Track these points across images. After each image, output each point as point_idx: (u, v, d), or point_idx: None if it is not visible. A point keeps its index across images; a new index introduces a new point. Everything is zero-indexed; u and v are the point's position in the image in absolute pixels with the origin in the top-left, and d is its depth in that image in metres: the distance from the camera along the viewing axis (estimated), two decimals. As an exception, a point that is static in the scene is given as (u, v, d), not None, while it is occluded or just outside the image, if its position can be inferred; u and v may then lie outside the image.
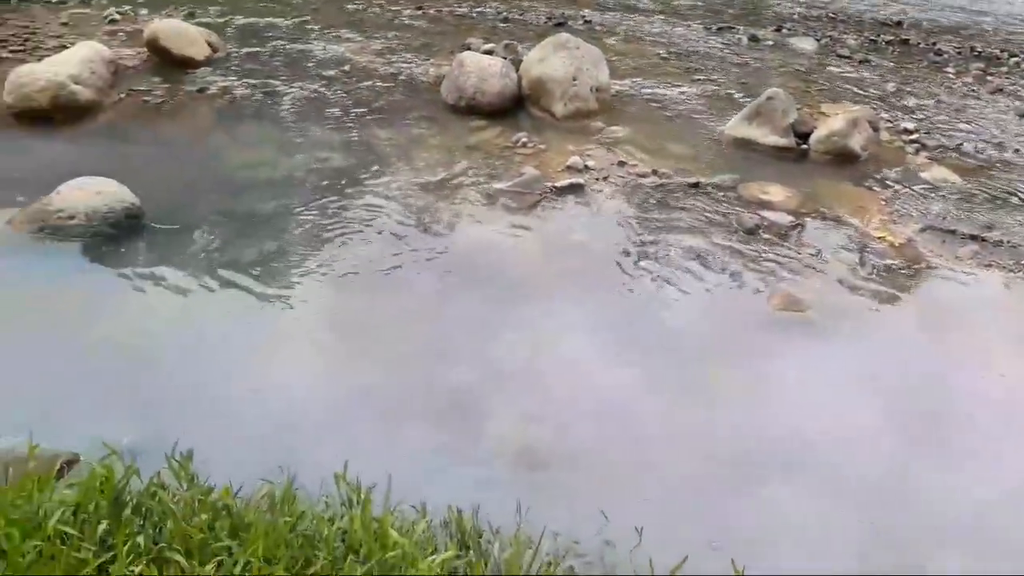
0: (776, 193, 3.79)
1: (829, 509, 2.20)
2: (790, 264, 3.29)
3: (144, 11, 5.58)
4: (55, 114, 3.87)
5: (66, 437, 2.14)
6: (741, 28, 6.34)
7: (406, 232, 3.31)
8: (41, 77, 3.87)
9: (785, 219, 3.59)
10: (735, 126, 4.38)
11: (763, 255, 3.33)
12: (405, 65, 5.07)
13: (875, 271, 3.30)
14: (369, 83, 4.76)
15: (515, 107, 4.55)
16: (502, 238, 3.36)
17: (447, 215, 3.48)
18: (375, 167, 3.81)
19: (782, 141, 4.24)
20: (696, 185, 3.80)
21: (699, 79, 5.18)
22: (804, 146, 4.28)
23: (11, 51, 4.72)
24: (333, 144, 4.00)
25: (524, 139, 4.15)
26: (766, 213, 3.61)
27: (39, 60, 4.31)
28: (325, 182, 3.64)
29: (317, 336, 2.71)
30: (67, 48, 4.54)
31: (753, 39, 6.09)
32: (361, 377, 2.57)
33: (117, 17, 5.36)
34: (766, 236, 3.45)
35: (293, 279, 2.99)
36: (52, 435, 2.03)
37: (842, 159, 4.18)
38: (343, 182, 3.66)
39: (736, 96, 4.93)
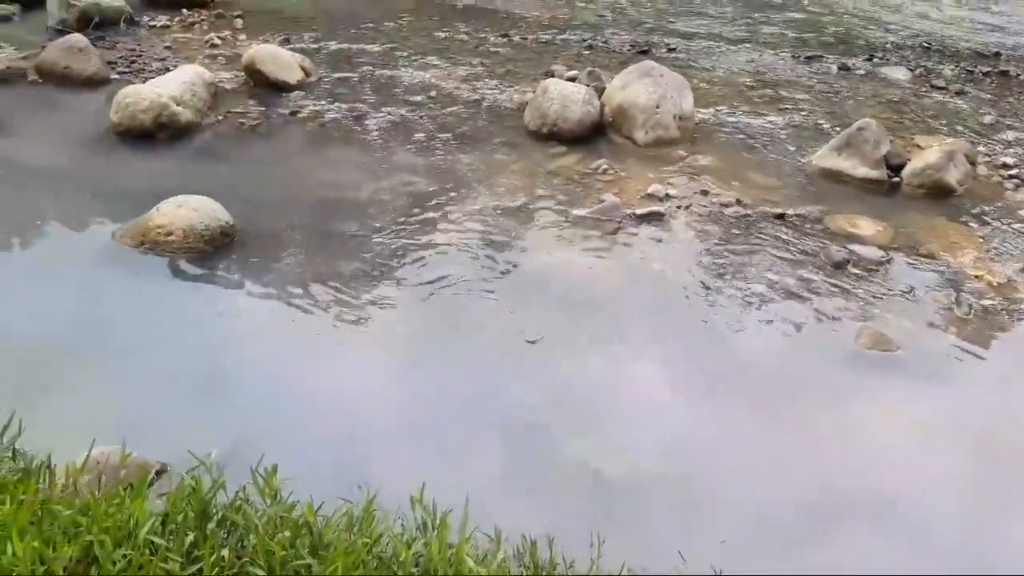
0: (866, 227, 3.66)
1: (910, 559, 2.09)
2: (880, 301, 3.17)
3: (243, 36, 5.83)
4: (157, 133, 4.07)
5: (155, 445, 2.23)
6: (831, 57, 6.19)
7: (485, 255, 3.34)
8: (146, 98, 4.08)
9: (875, 254, 3.47)
10: (824, 156, 4.27)
11: (851, 290, 3.23)
12: (489, 92, 5.13)
13: (972, 311, 3.15)
14: (454, 109, 4.84)
15: (597, 134, 4.55)
16: (580, 264, 3.35)
17: (526, 239, 3.50)
18: (457, 191, 3.87)
19: (873, 173, 4.11)
20: (781, 216, 3.72)
21: (786, 108, 5.08)
22: (896, 179, 4.14)
23: (119, 72, 5.00)
24: (417, 168, 4.07)
25: (605, 166, 4.15)
26: (855, 247, 3.50)
27: (144, 82, 4.56)
28: (408, 205, 3.72)
29: (394, 354, 2.76)
30: (170, 71, 4.80)
31: (843, 68, 5.95)
32: (436, 396, 2.60)
33: (218, 42, 5.62)
34: (855, 271, 3.34)
35: (373, 298, 3.05)
36: (141, 443, 2.12)
37: (937, 193, 4.02)
38: (425, 205, 3.72)
39: (825, 126, 4.81)
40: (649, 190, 3.88)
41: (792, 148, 4.49)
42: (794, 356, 2.93)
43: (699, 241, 3.51)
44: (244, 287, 3.07)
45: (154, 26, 5.92)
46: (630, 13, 7.39)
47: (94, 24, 5.59)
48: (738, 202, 3.81)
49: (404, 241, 3.41)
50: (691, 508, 2.25)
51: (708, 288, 3.21)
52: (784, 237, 3.56)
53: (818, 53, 6.30)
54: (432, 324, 2.94)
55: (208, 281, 3.08)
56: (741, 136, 4.63)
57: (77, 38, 4.92)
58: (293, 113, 4.58)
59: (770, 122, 4.85)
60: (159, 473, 2.11)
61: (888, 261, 3.44)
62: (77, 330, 2.80)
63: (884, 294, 3.21)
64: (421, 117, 4.71)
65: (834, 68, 5.96)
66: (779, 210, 3.76)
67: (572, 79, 5.07)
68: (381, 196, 3.78)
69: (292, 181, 3.86)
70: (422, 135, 4.49)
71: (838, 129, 4.62)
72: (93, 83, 4.75)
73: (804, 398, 2.69)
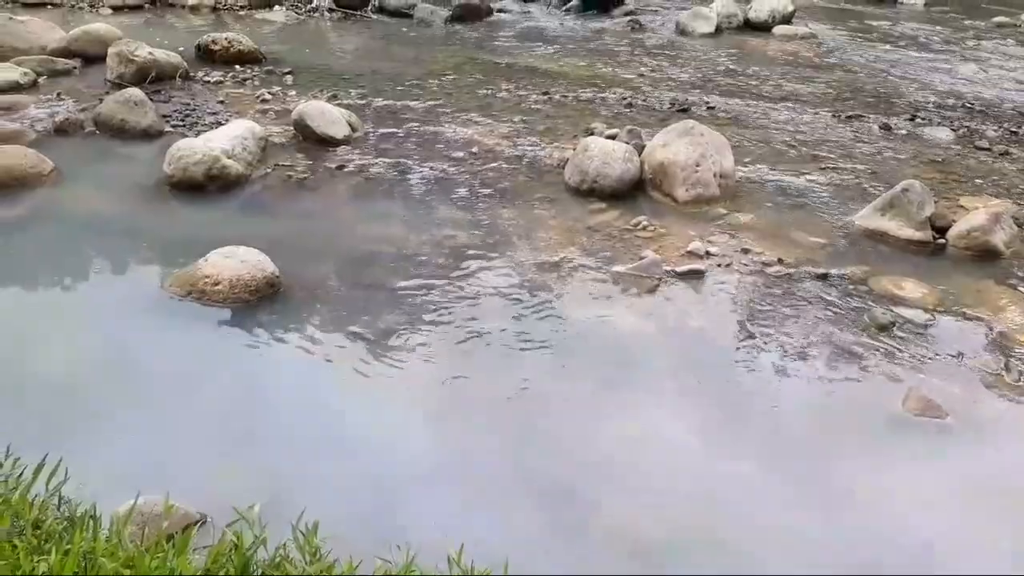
0: (911, 289, 3.61)
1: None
2: (927, 365, 3.10)
3: (292, 92, 6.02)
4: (208, 185, 4.19)
5: (195, 494, 2.25)
6: (872, 117, 6.19)
7: (525, 311, 3.35)
8: (198, 151, 4.22)
9: (921, 317, 3.41)
10: (867, 217, 4.24)
11: (897, 354, 3.16)
12: (530, 148, 5.21)
13: (1022, 377, 3.06)
14: (495, 164, 4.92)
15: (636, 191, 4.58)
16: (618, 321, 3.34)
17: (565, 295, 3.51)
18: (497, 246, 3.90)
19: (918, 235, 4.06)
20: (824, 276, 3.68)
21: (827, 168, 5.07)
22: (941, 240, 4.08)
23: (172, 125, 5.18)
24: (458, 222, 4.13)
25: (645, 222, 4.16)
26: (900, 310, 3.44)
27: (197, 135, 4.72)
28: (449, 259, 3.76)
29: (433, 407, 2.77)
30: (222, 124, 4.96)
31: (885, 128, 5.93)
32: (470, 453, 2.59)
33: (268, 97, 5.81)
34: (900, 334, 3.28)
35: (414, 351, 3.07)
36: (181, 491, 2.14)
37: (983, 256, 3.96)
38: (466, 259, 3.76)
39: (866, 186, 4.79)
40: (689, 247, 3.87)
41: (834, 208, 4.47)
42: (838, 420, 2.87)
43: (740, 300, 3.48)
44: (287, 338, 3.11)
45: (208, 81, 6.15)
46: (670, 72, 7.49)
47: (150, 79, 5.82)
48: (780, 261, 3.79)
49: (444, 295, 3.44)
50: (722, 566, 2.20)
51: (748, 348, 3.17)
52: (827, 298, 3.52)
53: (859, 113, 6.31)
54: (471, 379, 2.94)
55: (252, 331, 3.13)
56: (782, 195, 4.62)
57: (134, 92, 5.12)
58: (339, 167, 4.69)
59: (811, 181, 4.84)
60: (197, 524, 2.12)
61: (935, 324, 3.38)
62: (121, 376, 2.85)
63: (931, 358, 3.14)
64: (463, 172, 4.79)
65: (875, 128, 5.95)
66: (822, 270, 3.72)
67: (612, 137, 5.13)
68: (423, 249, 3.83)
69: (337, 234, 3.94)
70: (464, 190, 4.55)
71: (880, 189, 4.60)
72: (148, 135, 4.92)
73: (850, 463, 2.62)
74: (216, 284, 3.20)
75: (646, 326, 3.28)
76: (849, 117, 6.18)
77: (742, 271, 3.71)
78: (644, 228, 4.11)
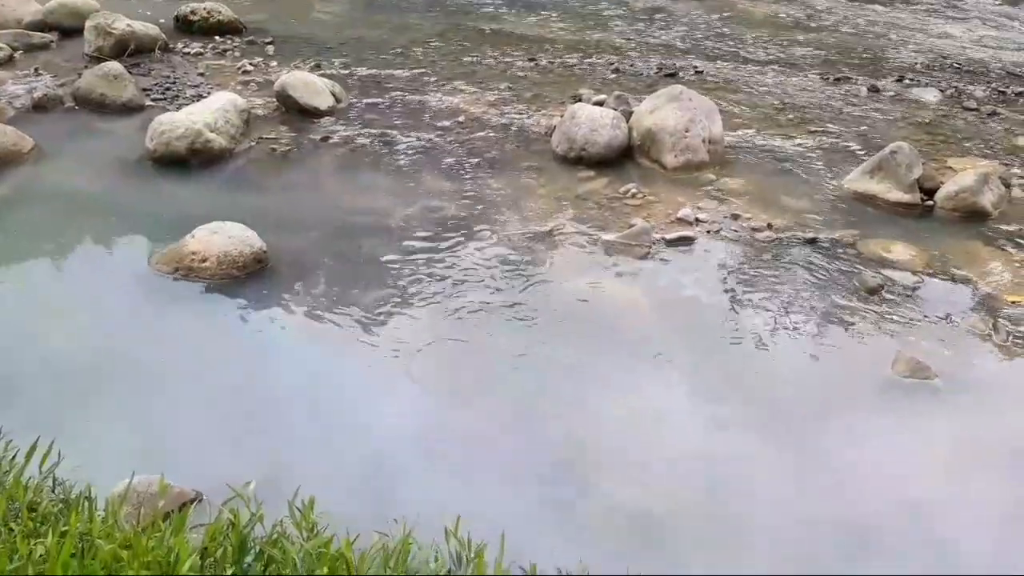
0: (900, 252, 3.62)
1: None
2: (915, 327, 3.13)
3: (274, 63, 5.93)
4: (191, 159, 4.14)
5: (189, 473, 2.25)
6: (860, 79, 6.15)
7: (515, 281, 3.35)
8: (180, 125, 4.16)
9: (910, 279, 3.42)
10: (855, 180, 4.23)
11: (886, 317, 3.18)
12: (517, 116, 5.16)
13: (1010, 337, 3.09)
14: (482, 133, 4.87)
15: (625, 158, 4.55)
16: (609, 289, 3.34)
17: (556, 265, 3.50)
18: (486, 216, 3.88)
19: (906, 197, 4.07)
20: (813, 241, 3.68)
21: (816, 131, 5.05)
22: (930, 203, 4.09)
23: (153, 99, 5.10)
24: (446, 193, 4.10)
25: (633, 190, 4.14)
26: (889, 272, 3.45)
27: (178, 109, 4.65)
28: (437, 230, 3.73)
29: (425, 381, 2.77)
30: (204, 97, 4.88)
31: (873, 90, 5.90)
32: (464, 425, 2.61)
33: (250, 68, 5.71)
34: (889, 297, 3.30)
35: (404, 324, 3.07)
36: (175, 470, 2.14)
37: (971, 217, 3.97)
38: (455, 230, 3.74)
39: (855, 149, 4.77)
40: (679, 214, 3.86)
41: (823, 171, 4.46)
42: (829, 384, 2.90)
43: (730, 266, 3.49)
44: (277, 313, 3.10)
45: (188, 53, 6.03)
46: (657, 36, 7.41)
47: (129, 51, 5.70)
48: (769, 226, 3.79)
49: (433, 267, 3.43)
50: (726, 538, 2.22)
51: (740, 314, 3.18)
52: (817, 262, 3.52)
53: (847, 75, 6.27)
54: (462, 351, 2.95)
55: (241, 307, 3.11)
56: (771, 160, 4.60)
57: (113, 66, 5.03)
58: (324, 139, 4.63)
59: (800, 145, 4.82)
60: (193, 502, 2.12)
61: (923, 286, 3.39)
62: (112, 356, 2.84)
63: (920, 320, 3.17)
64: (450, 142, 4.74)
65: (863, 90, 5.92)
66: (811, 235, 3.73)
67: (600, 103, 5.08)
68: (411, 221, 3.81)
69: (323, 206, 3.90)
70: (451, 160, 4.51)
71: (869, 152, 4.58)
72: (128, 110, 4.84)
73: (840, 426, 2.65)
74: (204, 261, 3.17)
75: (637, 294, 3.28)
76: (837, 79, 6.14)
77: (731, 237, 3.71)
78: (633, 196, 4.09)
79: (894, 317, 3.18)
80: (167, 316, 3.03)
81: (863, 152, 4.70)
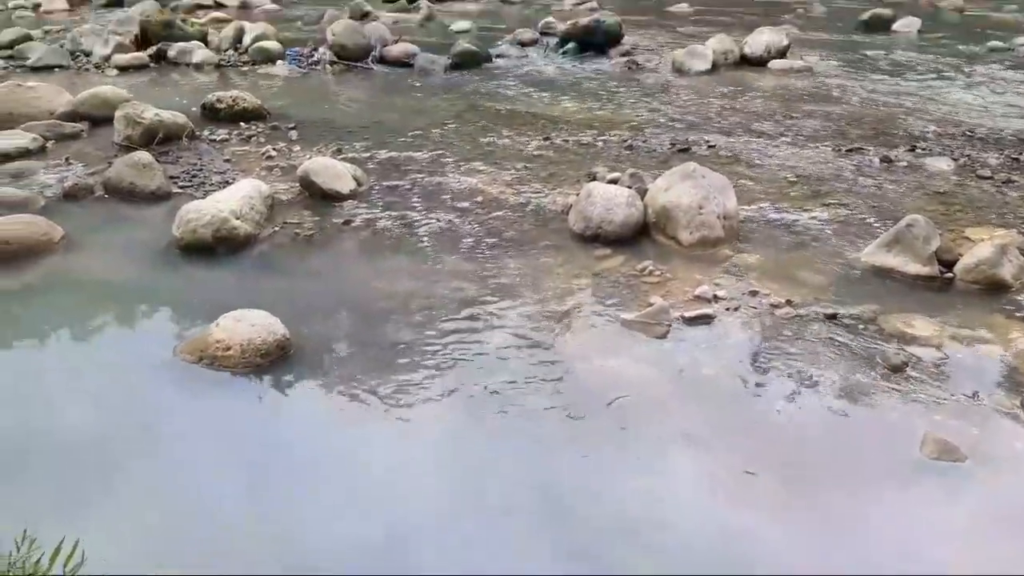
0: (922, 327, 3.60)
1: None
2: (942, 406, 3.09)
3: (297, 147, 6.11)
4: (217, 247, 4.24)
5: (206, 565, 2.24)
6: (872, 149, 6.23)
7: (533, 363, 3.35)
8: (206, 213, 4.27)
9: (934, 355, 3.40)
10: (872, 253, 4.24)
11: (911, 395, 3.15)
12: (533, 195, 5.25)
13: (1040, 414, 3.04)
14: (500, 213, 4.96)
15: (641, 235, 4.60)
16: (630, 370, 3.34)
17: (575, 345, 3.51)
18: (505, 296, 3.92)
19: (925, 270, 4.07)
20: (834, 317, 3.68)
21: (831, 204, 5.09)
22: (949, 275, 4.08)
23: (181, 187, 5.25)
24: (465, 274, 4.15)
25: (650, 267, 4.17)
26: (912, 348, 3.43)
27: (205, 196, 4.78)
28: (458, 312, 3.77)
29: (447, 465, 2.76)
30: (230, 184, 5.02)
31: (885, 160, 5.97)
32: (481, 509, 2.58)
33: (274, 154, 5.89)
34: (914, 374, 3.27)
35: (426, 408, 3.07)
36: (192, 562, 2.13)
37: (992, 289, 3.96)
38: (476, 312, 3.77)
39: (871, 221, 4.80)
40: (697, 292, 3.88)
41: (840, 245, 4.48)
42: (856, 466, 2.84)
43: (751, 344, 3.48)
44: (298, 401, 3.12)
45: (214, 140, 6.24)
46: (668, 112, 7.58)
47: (158, 140, 5.91)
48: (788, 302, 3.79)
49: (455, 350, 3.45)
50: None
51: (762, 394, 3.16)
52: (838, 339, 3.51)
53: (858, 146, 6.35)
54: (485, 433, 2.95)
55: (263, 396, 3.14)
56: (787, 233, 4.64)
57: (142, 155, 5.20)
58: (346, 222, 4.73)
59: (815, 218, 4.85)
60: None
61: (947, 362, 3.36)
62: (131, 443, 2.86)
63: (946, 399, 3.13)
64: (469, 222, 4.83)
65: (876, 161, 5.98)
66: (831, 310, 3.72)
67: (614, 181, 5.17)
68: (432, 303, 3.85)
69: (346, 291, 3.96)
70: (470, 240, 4.58)
71: (885, 224, 4.61)
72: (157, 198, 4.99)
73: (870, 510, 2.60)
74: (227, 349, 3.21)
75: (657, 375, 3.27)
76: (849, 151, 6.21)
77: (751, 314, 3.71)
78: (650, 273, 4.12)
79: (920, 395, 3.14)
80: (190, 406, 3.05)
81: (879, 224, 4.73)
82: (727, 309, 3.76)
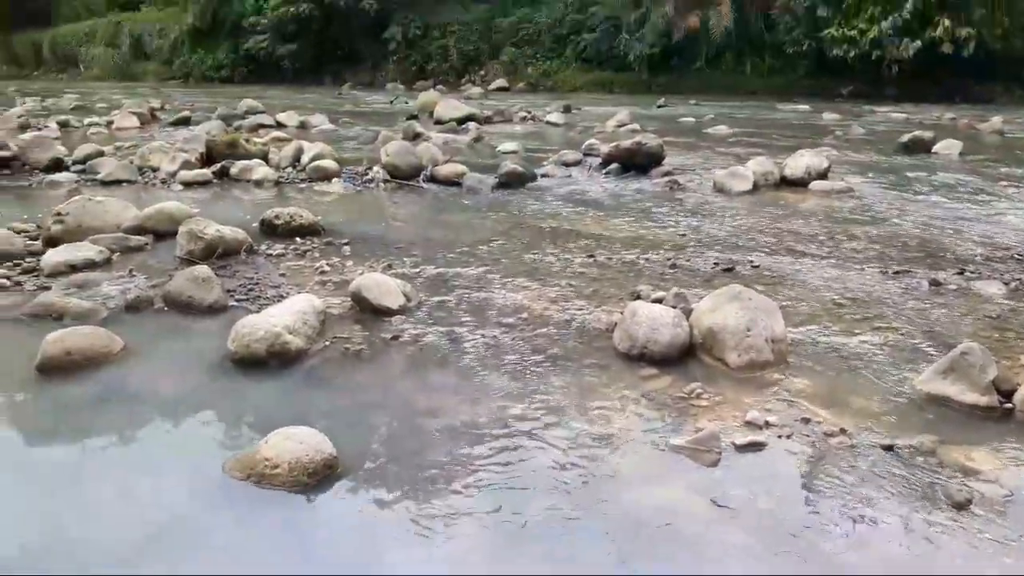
0: (983, 460, 3.48)
1: None
2: (1011, 547, 2.93)
3: (350, 262, 6.30)
4: (269, 360, 4.33)
5: None
6: (919, 272, 6.20)
7: (578, 489, 3.29)
8: (260, 328, 4.38)
9: (998, 492, 3.26)
10: (927, 381, 4.15)
11: (977, 535, 3.00)
12: (578, 312, 5.30)
13: (1119, 560, 2.87)
14: (545, 330, 5.00)
15: (688, 356, 4.58)
16: (679, 499, 3.26)
17: (622, 471, 3.45)
18: (551, 417, 3.90)
19: (983, 400, 3.96)
20: (890, 448, 3.57)
21: (880, 328, 5.04)
22: (1008, 405, 3.96)
23: (237, 300, 5.41)
24: (510, 392, 4.16)
25: (699, 390, 4.14)
26: (975, 484, 3.30)
27: (260, 309, 4.93)
28: (504, 432, 3.75)
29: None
30: (284, 298, 5.18)
31: (934, 284, 5.92)
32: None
33: (327, 269, 6.08)
34: (978, 512, 3.13)
35: (472, 534, 3.02)
36: None
37: (1056, 421, 3.82)
38: (521, 432, 3.75)
39: (923, 347, 4.73)
40: (747, 417, 3.82)
41: (892, 371, 4.40)
42: (922, 610, 2.70)
43: (805, 475, 3.38)
44: (342, 524, 3.10)
45: (270, 254, 6.48)
46: (711, 231, 7.68)
47: (217, 254, 6.15)
48: (842, 431, 3.70)
49: (498, 473, 3.42)
50: None
51: (819, 529, 3.05)
52: (896, 472, 3.40)
53: (905, 268, 6.33)
54: (529, 561, 2.87)
55: (309, 516, 3.12)
56: (837, 358, 4.58)
57: (202, 269, 5.40)
58: (394, 337, 4.81)
59: (865, 342, 4.80)
60: None
61: (1013, 500, 3.22)
62: (174, 564, 2.84)
63: (1014, 540, 2.98)
64: (514, 339, 4.87)
65: (924, 284, 5.94)
66: (887, 440, 3.62)
67: (659, 300, 5.21)
68: (478, 422, 3.85)
69: (392, 408, 3.99)
70: (514, 357, 4.61)
71: (937, 349, 4.54)
72: (213, 311, 5.15)
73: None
74: (275, 468, 3.23)
75: (708, 506, 3.18)
76: (896, 273, 6.20)
77: (804, 443, 3.63)
78: (699, 396, 4.08)
79: (986, 535, 3.00)
80: (236, 526, 3.04)
81: (932, 349, 4.65)
82: (779, 436, 3.69)
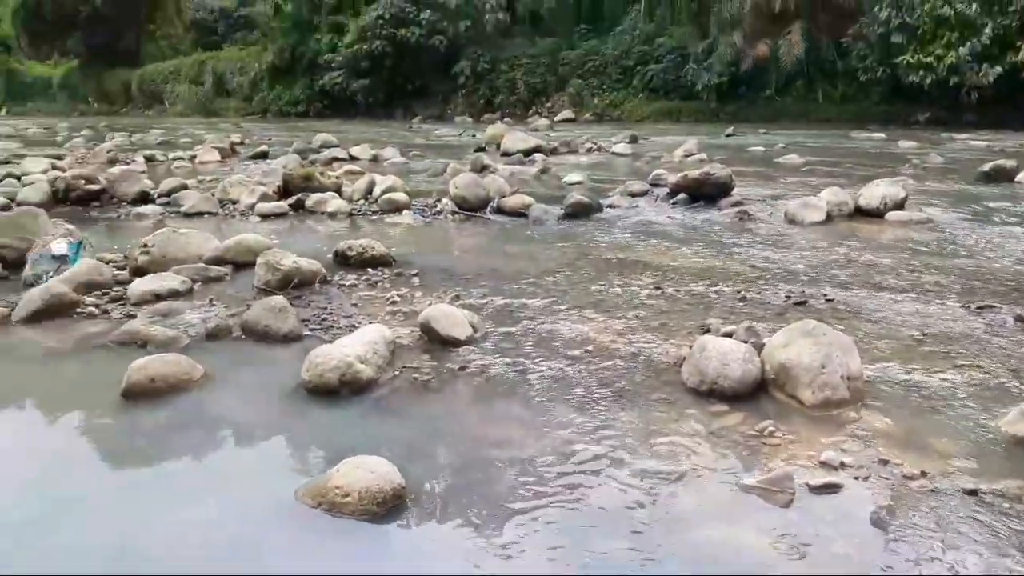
0: (1078, 509, 3.29)
1: None
2: (1111, 604, 2.76)
3: (419, 293, 6.42)
4: (341, 389, 4.43)
5: None
6: (1004, 307, 5.95)
7: (647, 528, 3.25)
8: (333, 357, 4.49)
9: (1096, 543, 3.08)
10: (1014, 423, 3.97)
11: (1072, 588, 2.84)
12: (645, 345, 5.26)
13: None
14: (611, 363, 4.97)
15: (758, 392, 4.49)
16: (752, 541, 3.18)
17: (691, 511, 3.39)
18: (617, 453, 3.87)
19: (1077, 444, 3.76)
20: (974, 492, 3.42)
21: (962, 365, 4.84)
22: (1105, 450, 3.75)
23: (311, 329, 5.56)
24: (577, 426, 4.14)
25: (771, 428, 4.04)
26: (1069, 534, 3.12)
27: (333, 339, 5.05)
28: (569, 466, 3.74)
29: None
30: (356, 328, 5.30)
31: (1020, 320, 5.67)
32: None
33: (397, 299, 6.20)
34: (1073, 563, 2.96)
35: (536, 562, 3.01)
36: None
37: None
38: (585, 468, 3.73)
39: (1009, 386, 4.52)
40: (822, 457, 3.71)
41: (975, 411, 4.22)
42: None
43: (884, 520, 3.26)
44: (412, 551, 3.13)
45: (343, 285, 6.65)
46: (782, 263, 7.54)
47: (293, 284, 6.35)
48: (923, 474, 3.56)
49: (564, 508, 3.40)
50: None
51: (899, 576, 2.93)
52: (981, 518, 3.24)
53: (989, 303, 6.08)
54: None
55: (378, 545, 3.17)
56: (916, 397, 4.42)
57: (278, 299, 5.58)
58: (461, 368, 4.87)
59: (946, 381, 4.62)
60: None
61: (1112, 551, 3.03)
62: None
63: (1115, 595, 2.80)
64: (580, 371, 4.86)
65: (1010, 320, 5.69)
66: (971, 485, 3.47)
67: (729, 335, 5.13)
68: (543, 455, 3.84)
69: (459, 439, 4.02)
70: (581, 390, 4.60)
71: (1026, 390, 4.34)
72: (288, 340, 5.30)
73: None
74: (346, 496, 3.29)
75: (782, 549, 3.10)
76: (979, 308, 5.95)
77: (882, 485, 3.50)
78: (771, 434, 3.99)
79: (1082, 588, 2.83)
80: (306, 552, 3.11)
81: (1017, 389, 4.45)
82: (856, 478, 3.57)
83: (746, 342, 4.82)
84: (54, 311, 5.82)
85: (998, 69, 26.88)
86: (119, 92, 62.40)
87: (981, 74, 27.16)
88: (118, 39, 60.51)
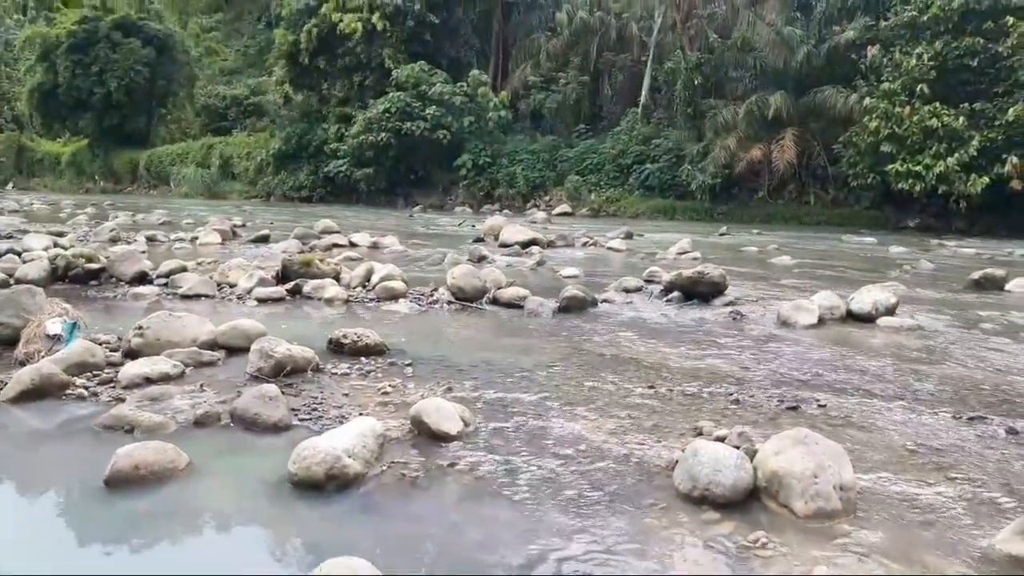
0: (1077, 636, 3.21)
1: None
2: None
3: (411, 384, 6.39)
4: (327, 484, 4.36)
5: None
6: (995, 419, 5.94)
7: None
8: (320, 451, 4.45)
9: (1096, 673, 2.99)
10: (1007, 541, 3.91)
11: None
12: (637, 446, 5.22)
13: None
14: (602, 464, 4.93)
15: (751, 499, 4.44)
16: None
17: (682, 624, 3.30)
18: (609, 561, 3.79)
19: (1072, 566, 3.70)
20: (970, 614, 3.35)
21: (954, 477, 4.81)
22: (1103, 572, 3.69)
23: (300, 419, 5.52)
24: (566, 531, 4.07)
25: (763, 539, 3.98)
26: (1068, 663, 3.04)
27: (321, 430, 5.01)
28: (555, 572, 3.66)
29: None
30: (346, 419, 5.26)
31: (1011, 432, 5.66)
32: None
33: (389, 390, 6.18)
34: None
35: None
36: None
37: None
38: (573, 574, 3.64)
39: (1001, 501, 4.48)
40: (814, 572, 3.64)
41: (969, 526, 4.17)
42: None
43: (877, 641, 3.18)
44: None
45: (335, 374, 6.63)
46: (775, 365, 7.56)
47: (285, 372, 6.33)
48: (917, 593, 3.49)
49: (553, 617, 3.31)
50: None
51: None
52: (978, 642, 3.16)
53: (980, 414, 6.08)
54: None
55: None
56: (909, 510, 4.37)
57: (269, 388, 5.56)
58: (451, 464, 4.81)
59: (940, 494, 4.57)
60: None
61: None
62: None
63: None
64: (571, 471, 4.81)
65: (1001, 432, 5.68)
66: (967, 606, 3.40)
67: (721, 439, 5.10)
68: (531, 560, 3.78)
69: (445, 541, 3.95)
70: (572, 492, 4.54)
71: (1018, 504, 4.31)
72: (277, 429, 5.25)
73: None
74: (329, 600, 3.20)
75: (773, 669, 3.01)
76: (971, 419, 5.95)
77: (875, 603, 3.43)
78: (763, 546, 3.92)
79: None
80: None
81: (1011, 504, 4.41)
82: (849, 594, 3.50)
83: (738, 447, 4.79)
84: (43, 391, 5.78)
85: (986, 180, 27.68)
86: (126, 171, 63.71)
87: (969, 184, 27.95)
88: (129, 121, 62.21)
